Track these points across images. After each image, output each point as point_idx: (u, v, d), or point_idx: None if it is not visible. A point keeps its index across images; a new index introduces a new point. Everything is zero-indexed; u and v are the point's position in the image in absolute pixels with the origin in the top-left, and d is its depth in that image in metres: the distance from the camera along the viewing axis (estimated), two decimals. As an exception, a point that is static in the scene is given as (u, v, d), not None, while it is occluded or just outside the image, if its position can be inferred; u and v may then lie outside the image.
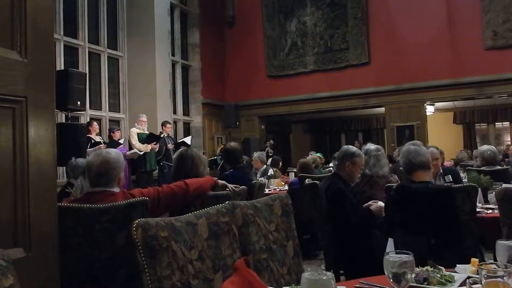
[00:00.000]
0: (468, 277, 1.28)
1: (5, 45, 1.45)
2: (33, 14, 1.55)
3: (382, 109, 10.83)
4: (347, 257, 2.90)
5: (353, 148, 3.25)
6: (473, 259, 1.47)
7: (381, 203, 2.93)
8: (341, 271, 3.04)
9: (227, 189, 2.77)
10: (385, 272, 1.18)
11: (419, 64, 9.68)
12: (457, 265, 1.50)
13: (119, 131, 7.55)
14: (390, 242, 2.01)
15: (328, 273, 1.08)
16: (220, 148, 9.63)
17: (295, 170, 7.13)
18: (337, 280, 2.99)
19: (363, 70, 10.43)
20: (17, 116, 1.48)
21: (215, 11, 11.50)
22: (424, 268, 1.38)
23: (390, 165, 4.31)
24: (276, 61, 11.39)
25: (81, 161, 4.11)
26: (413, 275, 1.22)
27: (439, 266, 1.40)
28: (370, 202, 3.03)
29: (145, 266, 1.27)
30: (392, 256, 1.17)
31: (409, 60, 9.81)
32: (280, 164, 8.21)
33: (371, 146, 3.59)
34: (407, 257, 1.16)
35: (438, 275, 1.34)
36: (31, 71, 1.52)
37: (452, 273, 1.44)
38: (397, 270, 1.14)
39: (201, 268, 1.42)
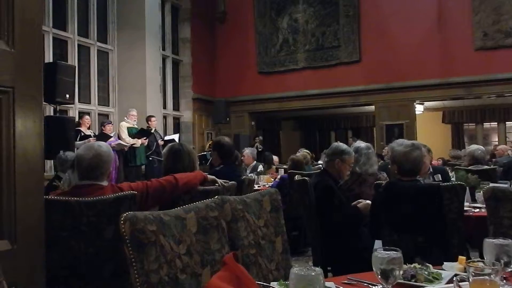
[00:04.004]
0: (455, 275, 1.29)
1: (-9, 34, 1.42)
2: (21, 3, 1.52)
3: (372, 108, 10.89)
4: (335, 254, 2.91)
5: (343, 146, 3.25)
6: (460, 257, 1.48)
7: (368, 202, 2.94)
8: (328, 268, 3.05)
9: (217, 184, 2.76)
10: (374, 269, 1.18)
11: (409, 63, 9.75)
12: (444, 262, 1.51)
13: (110, 124, 7.51)
14: (378, 242, 2.02)
15: (317, 268, 1.08)
16: (209, 144, 9.57)
17: (284, 166, 7.14)
18: (325, 276, 2.99)
19: (354, 68, 10.47)
20: (3, 107, 1.45)
21: (207, 6, 11.43)
22: (412, 265, 1.39)
23: (380, 162, 4.32)
24: (267, 58, 11.37)
25: (69, 154, 4.07)
26: (401, 272, 1.22)
27: (427, 264, 1.41)
28: (358, 200, 3.04)
29: (133, 260, 1.26)
30: (380, 253, 1.17)
31: (399, 59, 9.87)
32: (276, 160, 8.14)
33: (361, 144, 3.59)
34: (396, 254, 1.17)
35: (426, 272, 1.35)
36: (18, 61, 1.49)
37: (439, 271, 1.45)
38: (385, 267, 1.15)
39: (189, 263, 1.41)
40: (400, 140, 2.60)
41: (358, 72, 10.37)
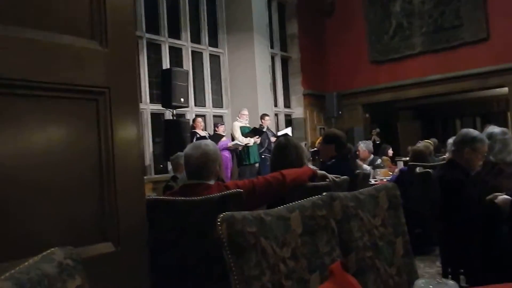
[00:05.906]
0: None
1: (84, 35, 1.42)
2: (113, 4, 1.51)
3: (504, 90, 9.60)
4: (467, 257, 2.50)
5: (474, 132, 2.82)
6: None
7: (507, 196, 2.47)
8: (461, 270, 2.66)
9: (327, 179, 2.56)
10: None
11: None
12: None
13: (223, 125, 7.80)
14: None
15: (450, 282, 0.83)
16: (318, 140, 9.31)
17: (403, 159, 6.66)
18: (457, 280, 2.63)
19: (480, 47, 9.33)
20: (100, 108, 1.44)
21: (313, 0, 11.20)
22: None
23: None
24: (380, 45, 10.73)
25: (182, 155, 4.21)
26: None
27: None
28: (494, 194, 2.58)
29: (232, 265, 1.14)
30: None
31: (537, 31, 8.52)
32: (390, 152, 7.69)
33: (495, 129, 3.09)
34: None
35: None
36: (112, 61, 1.47)
37: None
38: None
39: (295, 268, 1.25)
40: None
41: (486, 52, 9.22)
